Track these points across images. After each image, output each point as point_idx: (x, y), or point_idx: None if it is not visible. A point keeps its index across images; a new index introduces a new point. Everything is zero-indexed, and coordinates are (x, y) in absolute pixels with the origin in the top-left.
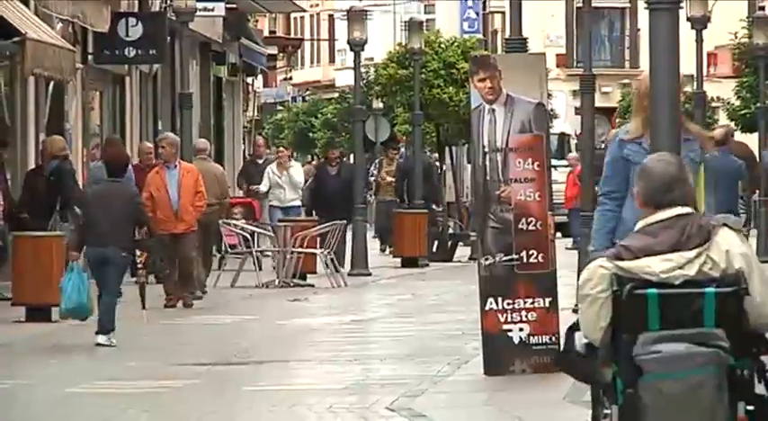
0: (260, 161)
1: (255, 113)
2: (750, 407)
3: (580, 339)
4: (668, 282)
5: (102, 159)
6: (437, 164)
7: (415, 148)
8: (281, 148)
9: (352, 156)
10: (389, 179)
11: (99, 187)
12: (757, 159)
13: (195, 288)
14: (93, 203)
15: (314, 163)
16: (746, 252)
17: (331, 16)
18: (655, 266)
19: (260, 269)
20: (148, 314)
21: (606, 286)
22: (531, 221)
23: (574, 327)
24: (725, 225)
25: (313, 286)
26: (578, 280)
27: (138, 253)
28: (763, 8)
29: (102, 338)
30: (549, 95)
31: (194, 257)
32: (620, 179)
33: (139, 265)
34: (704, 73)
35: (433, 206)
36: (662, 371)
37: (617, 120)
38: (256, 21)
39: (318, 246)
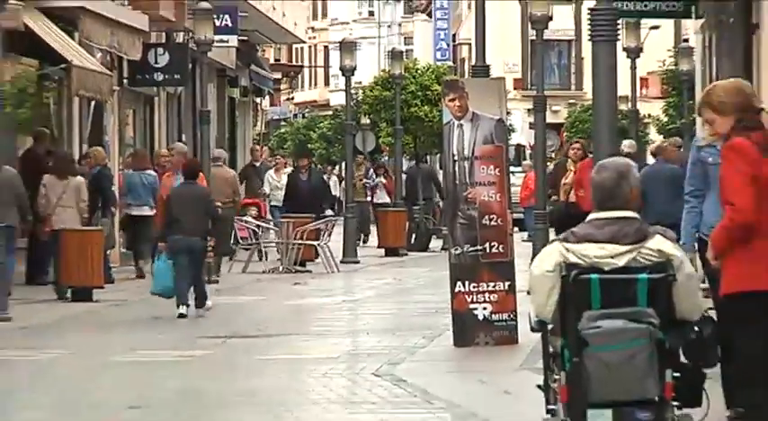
0: (257, 164)
1: (263, 128)
2: (676, 374)
3: (531, 317)
4: (599, 266)
5: (179, 168)
6: (437, 168)
7: (397, 157)
8: (279, 157)
9: (344, 163)
10: (361, 182)
11: (179, 189)
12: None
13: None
14: (176, 202)
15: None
16: (677, 254)
17: (326, 47)
18: (590, 252)
19: (266, 259)
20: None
21: (553, 267)
22: (493, 218)
23: None
24: (659, 233)
25: (311, 272)
26: (531, 266)
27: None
28: (687, 40)
29: (202, 310)
30: (508, 113)
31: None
32: (700, 179)
33: (210, 249)
34: (637, 94)
35: (439, 202)
36: (602, 344)
37: (564, 134)
38: (264, 50)
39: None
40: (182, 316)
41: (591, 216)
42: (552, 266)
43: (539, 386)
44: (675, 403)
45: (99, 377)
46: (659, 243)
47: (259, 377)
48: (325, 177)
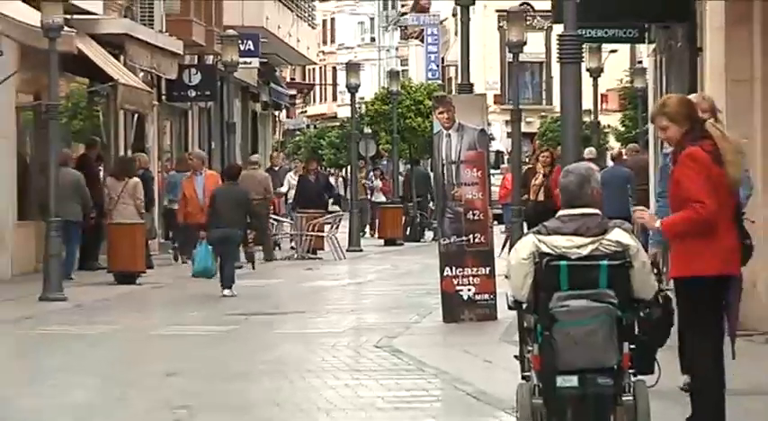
0: (276, 168)
1: (280, 137)
2: (632, 346)
3: (508, 297)
4: (566, 255)
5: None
6: (431, 173)
7: (394, 161)
8: (298, 162)
9: (349, 166)
10: (361, 183)
11: (222, 188)
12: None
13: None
14: (219, 199)
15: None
16: (633, 244)
17: (334, 68)
18: (559, 243)
19: (279, 249)
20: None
21: (528, 255)
22: (476, 213)
23: None
24: (617, 227)
25: (321, 259)
26: (509, 254)
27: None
28: (640, 62)
29: (227, 291)
30: (489, 124)
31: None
32: (666, 182)
33: (250, 240)
34: (599, 108)
35: (430, 203)
36: (569, 320)
37: (537, 142)
38: (281, 71)
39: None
40: (225, 295)
41: (560, 213)
42: (527, 255)
43: (515, 356)
44: (632, 371)
45: (141, 348)
46: (617, 235)
47: (276, 349)
48: (331, 178)
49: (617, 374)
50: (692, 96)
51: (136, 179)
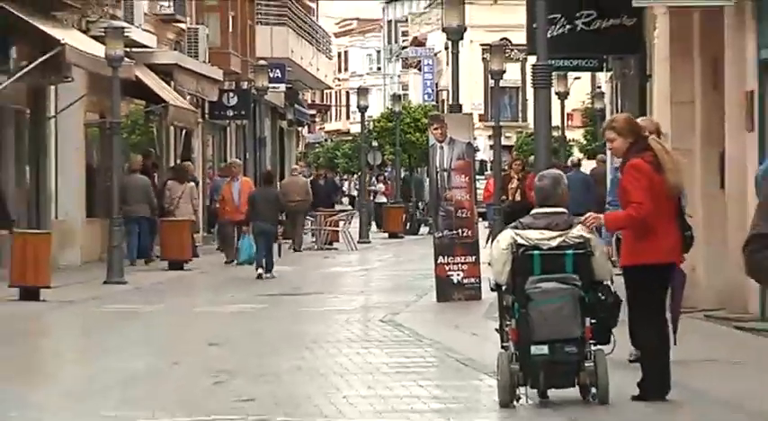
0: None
1: (303, 149)
2: (593, 321)
3: (491, 280)
4: (539, 245)
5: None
6: (426, 178)
7: (396, 168)
8: (315, 169)
9: (359, 173)
10: (369, 189)
11: (259, 190)
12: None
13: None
14: (257, 200)
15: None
16: (593, 237)
17: (347, 92)
18: (533, 236)
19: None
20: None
21: (506, 247)
22: (464, 211)
23: None
24: (580, 223)
25: (337, 249)
26: (491, 245)
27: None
28: (600, 87)
29: (268, 274)
30: (474, 138)
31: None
32: (615, 191)
33: (280, 234)
34: (565, 125)
35: (420, 203)
36: (541, 299)
37: (514, 153)
38: (303, 94)
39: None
40: (259, 276)
41: (533, 211)
42: (506, 246)
43: (496, 329)
44: (592, 341)
45: (188, 323)
46: (580, 230)
47: (299, 323)
48: (345, 183)
49: (580, 344)
50: (639, 119)
51: (192, 184)
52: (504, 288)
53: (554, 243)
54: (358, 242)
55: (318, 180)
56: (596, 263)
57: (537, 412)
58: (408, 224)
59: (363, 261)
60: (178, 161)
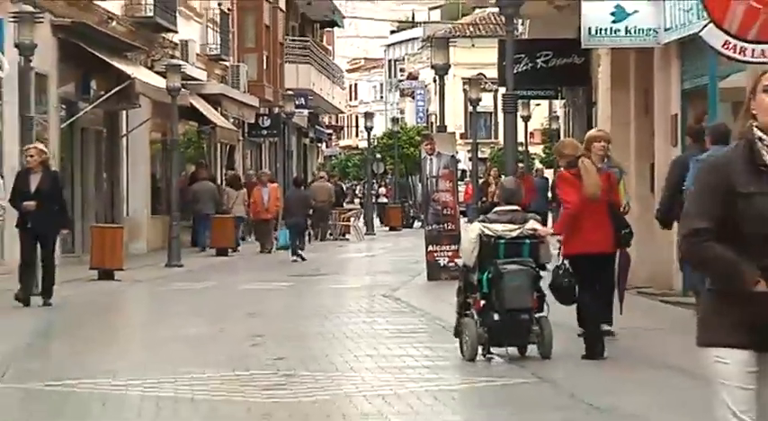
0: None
1: (322, 160)
2: (540, 294)
3: (462, 263)
4: (502, 236)
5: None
6: (419, 184)
7: (395, 176)
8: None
9: (366, 180)
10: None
11: (292, 192)
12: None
13: (271, 244)
14: (291, 200)
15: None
16: (542, 228)
17: (357, 115)
18: (497, 228)
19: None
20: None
21: (475, 237)
22: (449, 210)
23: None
24: (533, 219)
25: (348, 239)
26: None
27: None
28: (556, 112)
29: (299, 259)
30: (457, 152)
31: (271, 229)
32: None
33: (309, 229)
34: (528, 141)
35: (414, 203)
36: (508, 277)
37: (489, 163)
38: (322, 117)
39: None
40: (294, 260)
41: (497, 208)
42: (475, 236)
43: (458, 301)
44: (540, 311)
45: (232, 298)
46: (533, 224)
47: (319, 298)
48: (357, 187)
49: (531, 312)
50: (594, 130)
51: (243, 189)
52: (471, 268)
53: (514, 234)
54: (365, 234)
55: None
56: (543, 250)
57: (503, 365)
58: (405, 220)
59: (369, 249)
60: (224, 171)
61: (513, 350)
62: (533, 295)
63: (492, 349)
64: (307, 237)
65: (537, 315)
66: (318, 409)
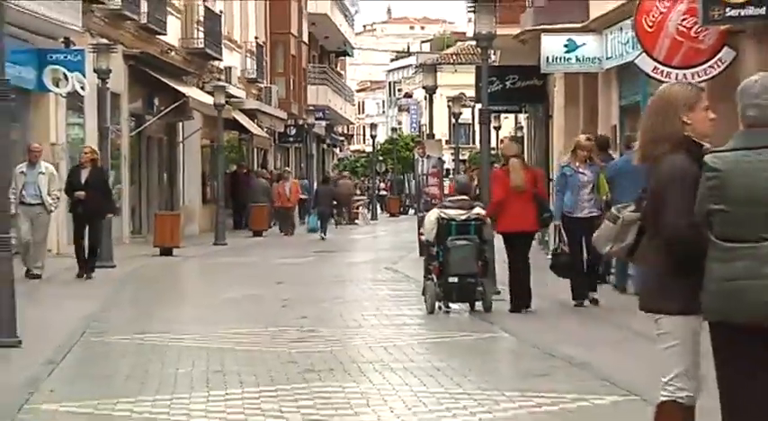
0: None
1: (336, 161)
2: (483, 262)
3: (426, 239)
4: (455, 219)
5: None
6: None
7: (394, 174)
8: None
9: (370, 177)
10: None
11: (321, 186)
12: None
13: (292, 227)
14: (320, 193)
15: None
16: (484, 212)
17: (364, 126)
18: (451, 213)
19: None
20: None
21: (434, 219)
22: (436, 200)
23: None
24: (478, 205)
25: (357, 224)
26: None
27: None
28: (521, 123)
29: (325, 238)
30: (443, 154)
31: (291, 216)
32: (562, 184)
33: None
34: (498, 146)
35: (405, 194)
36: (456, 250)
37: (468, 164)
38: (336, 127)
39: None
40: (322, 239)
41: (449, 198)
42: (434, 219)
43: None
44: (484, 276)
45: (266, 269)
46: (478, 210)
47: (334, 268)
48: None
49: (476, 276)
50: (582, 138)
51: (289, 183)
52: (431, 242)
53: (463, 217)
54: (370, 219)
55: (338, 181)
56: (486, 229)
57: (459, 315)
58: (401, 208)
59: (373, 231)
60: (259, 169)
61: (464, 306)
62: (478, 263)
63: (450, 305)
64: (330, 223)
65: (481, 279)
66: (333, 357)
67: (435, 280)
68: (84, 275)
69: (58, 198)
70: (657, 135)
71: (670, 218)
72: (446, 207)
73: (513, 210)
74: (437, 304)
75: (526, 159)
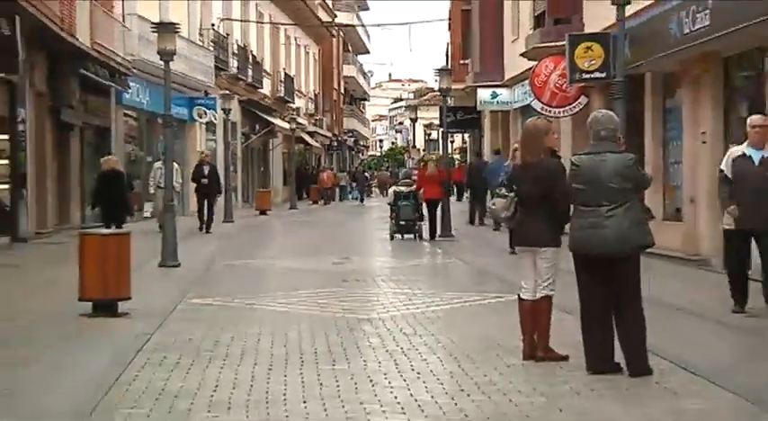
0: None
1: (359, 162)
2: (418, 214)
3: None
4: (403, 190)
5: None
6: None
7: (393, 168)
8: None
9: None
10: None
11: (359, 175)
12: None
13: (330, 199)
14: (358, 178)
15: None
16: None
17: (376, 140)
18: (401, 188)
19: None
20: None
21: (392, 192)
22: (414, 184)
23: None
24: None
25: (372, 196)
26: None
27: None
28: (465, 141)
29: (361, 204)
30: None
31: (328, 193)
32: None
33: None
34: (453, 153)
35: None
36: (403, 208)
37: (419, 163)
38: (359, 140)
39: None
40: (359, 204)
41: (401, 181)
42: (392, 191)
43: (390, 217)
44: (420, 221)
45: (322, 225)
46: (415, 186)
47: (347, 237)
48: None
49: (414, 221)
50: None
51: (343, 173)
52: (391, 204)
53: (407, 190)
54: (380, 194)
55: (355, 173)
56: (420, 197)
57: (415, 242)
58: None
59: (382, 202)
60: (324, 165)
61: (409, 236)
62: (415, 215)
63: (402, 237)
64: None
65: (417, 222)
66: (370, 324)
67: (392, 222)
68: (204, 230)
69: (181, 184)
70: (534, 149)
71: (564, 192)
72: (399, 185)
73: (428, 187)
74: (395, 235)
75: (467, 161)
